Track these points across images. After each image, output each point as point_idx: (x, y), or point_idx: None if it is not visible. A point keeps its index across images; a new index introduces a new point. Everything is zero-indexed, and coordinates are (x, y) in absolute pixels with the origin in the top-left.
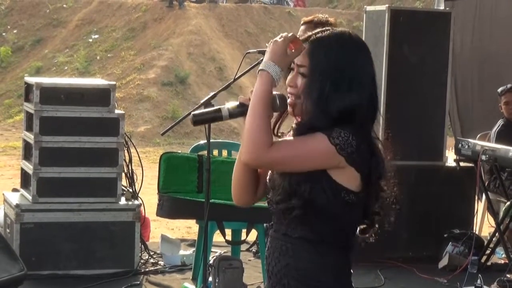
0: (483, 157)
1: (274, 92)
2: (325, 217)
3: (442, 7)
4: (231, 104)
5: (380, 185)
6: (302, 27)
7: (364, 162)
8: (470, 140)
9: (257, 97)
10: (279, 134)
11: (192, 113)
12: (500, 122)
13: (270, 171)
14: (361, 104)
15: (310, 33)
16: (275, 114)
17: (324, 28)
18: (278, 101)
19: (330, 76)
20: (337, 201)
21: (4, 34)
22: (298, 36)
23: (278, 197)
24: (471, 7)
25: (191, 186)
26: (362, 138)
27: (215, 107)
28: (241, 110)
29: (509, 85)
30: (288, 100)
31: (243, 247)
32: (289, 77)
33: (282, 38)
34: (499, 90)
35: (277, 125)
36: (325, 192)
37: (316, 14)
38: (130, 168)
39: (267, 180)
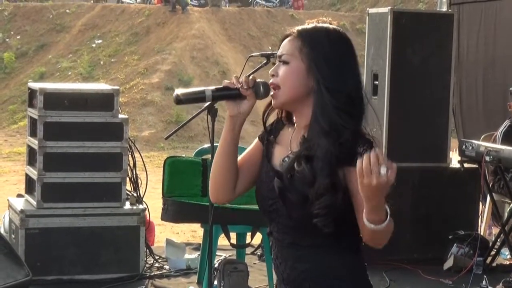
0: (487, 158)
1: (258, 80)
2: (341, 221)
3: (444, 9)
4: (216, 86)
5: None
6: None
7: None
8: (474, 141)
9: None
10: (267, 126)
11: (176, 92)
12: (507, 123)
13: (263, 179)
14: (352, 92)
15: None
16: (264, 103)
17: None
18: (261, 88)
19: (319, 58)
20: (349, 205)
21: (7, 40)
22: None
23: (319, 210)
24: (476, 11)
25: (195, 190)
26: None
27: (200, 88)
28: (224, 93)
29: None
30: (271, 93)
31: (248, 250)
32: (272, 68)
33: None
34: (511, 89)
35: (266, 115)
36: (343, 201)
37: (319, 17)
38: (134, 173)
39: (261, 188)
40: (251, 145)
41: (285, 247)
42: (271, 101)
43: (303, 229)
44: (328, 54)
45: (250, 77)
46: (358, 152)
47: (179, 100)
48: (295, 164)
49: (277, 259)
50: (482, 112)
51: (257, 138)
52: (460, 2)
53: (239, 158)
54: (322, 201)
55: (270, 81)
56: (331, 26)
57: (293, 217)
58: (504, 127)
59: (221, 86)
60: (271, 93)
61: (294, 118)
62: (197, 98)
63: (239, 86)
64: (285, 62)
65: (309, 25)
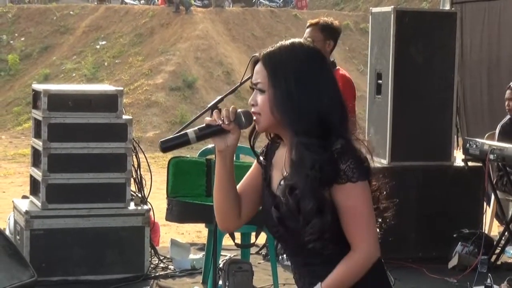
0: (491, 156)
1: (239, 110)
2: (340, 238)
3: (447, 8)
4: (199, 126)
5: (371, 185)
6: (308, 30)
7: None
8: (478, 139)
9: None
10: (255, 150)
11: (160, 140)
12: (506, 117)
13: (268, 204)
14: (325, 102)
15: (256, 55)
16: (249, 128)
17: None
18: (243, 118)
19: (293, 82)
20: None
21: (11, 42)
22: (304, 38)
23: (311, 236)
24: (479, 11)
25: (199, 190)
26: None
27: (182, 132)
28: (208, 132)
29: None
30: (254, 118)
31: (253, 250)
32: (250, 98)
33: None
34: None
35: (252, 138)
36: (334, 220)
37: (321, 17)
38: (138, 173)
39: (265, 215)
40: (250, 169)
41: (300, 267)
42: (254, 125)
43: (312, 250)
44: (291, 81)
45: (231, 109)
46: (341, 169)
47: (164, 148)
48: (283, 195)
49: (295, 275)
50: (486, 111)
51: (255, 161)
52: (463, 1)
53: (240, 184)
54: (311, 226)
55: (252, 109)
56: (296, 45)
57: (299, 242)
58: (503, 121)
59: (203, 125)
60: (254, 118)
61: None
62: (181, 142)
63: (221, 122)
64: (261, 91)
65: (274, 47)
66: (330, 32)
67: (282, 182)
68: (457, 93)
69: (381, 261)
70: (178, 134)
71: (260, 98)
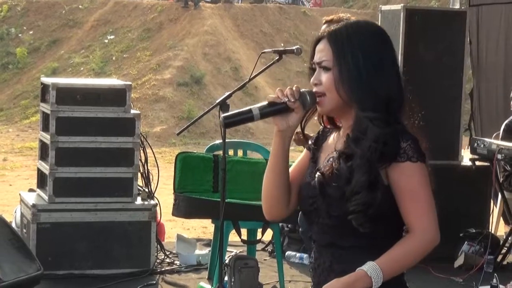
0: (499, 156)
1: (303, 89)
2: (380, 221)
3: (457, 7)
4: (261, 104)
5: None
6: (324, 26)
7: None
8: (485, 139)
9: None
10: (305, 133)
11: (222, 115)
12: (510, 118)
13: (306, 180)
14: (392, 86)
15: (323, 32)
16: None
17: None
18: (308, 98)
19: (361, 58)
20: (391, 206)
21: (20, 35)
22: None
23: (355, 207)
24: (496, 13)
25: (206, 185)
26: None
27: (246, 108)
28: (272, 110)
29: None
30: (317, 103)
31: (259, 246)
32: (313, 77)
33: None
34: None
35: (303, 122)
36: (384, 200)
37: (338, 13)
38: (146, 168)
39: (303, 189)
40: (299, 157)
41: (324, 247)
42: (308, 109)
43: (342, 228)
44: (358, 57)
45: (294, 88)
46: (401, 147)
47: (227, 124)
48: (335, 162)
49: (315, 262)
50: (502, 115)
51: (305, 149)
52: (479, 4)
53: (290, 171)
54: (358, 198)
55: (314, 89)
56: (361, 23)
57: (332, 215)
58: (508, 121)
59: (267, 102)
60: (317, 100)
61: (337, 121)
62: (245, 118)
63: (286, 99)
64: (326, 68)
65: (339, 25)
66: None
67: (330, 159)
68: (472, 97)
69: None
70: (243, 110)
71: (325, 76)
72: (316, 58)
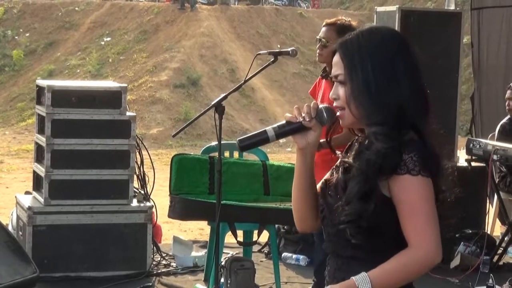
0: (495, 157)
1: (320, 105)
2: (376, 234)
3: (452, 8)
4: (278, 124)
5: (437, 186)
6: (324, 29)
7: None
8: (481, 139)
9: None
10: (332, 144)
11: (238, 139)
12: (507, 117)
13: (323, 186)
14: (404, 94)
15: (337, 42)
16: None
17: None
18: (325, 114)
19: (371, 70)
20: (389, 218)
21: (16, 37)
22: (319, 38)
23: (345, 217)
24: (497, 17)
25: (202, 187)
26: (424, 145)
27: (261, 130)
28: (288, 129)
29: None
30: (337, 114)
31: (255, 248)
32: (331, 91)
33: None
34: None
35: (330, 133)
36: (378, 213)
37: (339, 16)
38: (141, 170)
39: (323, 198)
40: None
41: (331, 255)
42: (332, 123)
43: (340, 238)
44: (368, 70)
45: (312, 105)
46: (402, 158)
47: (242, 147)
48: (337, 172)
49: (327, 267)
50: (503, 119)
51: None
52: (481, 7)
53: (318, 185)
54: (348, 208)
55: (334, 104)
56: (372, 30)
57: (334, 224)
58: (503, 122)
59: (283, 122)
60: (338, 114)
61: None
62: (260, 140)
63: (301, 119)
64: (342, 83)
65: (351, 34)
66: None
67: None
68: (473, 100)
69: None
70: (257, 132)
71: (341, 91)
72: (333, 72)
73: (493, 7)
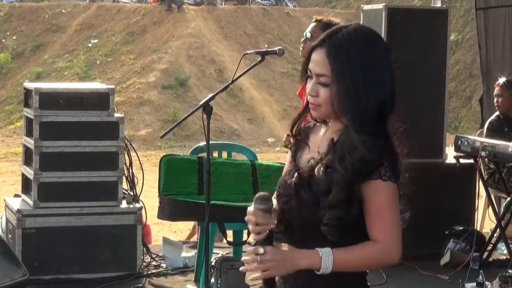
0: (483, 153)
1: (253, 206)
2: (350, 233)
3: (439, 5)
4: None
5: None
6: (313, 24)
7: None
8: (469, 136)
9: None
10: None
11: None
12: (495, 114)
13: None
14: (386, 97)
15: (322, 37)
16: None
17: (334, 28)
18: (268, 205)
19: (358, 75)
20: (363, 217)
21: (3, 40)
22: (305, 32)
23: (329, 221)
24: (500, 16)
25: (191, 188)
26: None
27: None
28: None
29: (502, 80)
30: (310, 106)
31: (245, 248)
32: (309, 86)
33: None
34: (500, 81)
35: (296, 126)
36: (360, 215)
37: (329, 15)
38: (130, 172)
39: (281, 186)
40: (287, 161)
41: (294, 244)
42: (302, 111)
43: (310, 230)
44: (358, 78)
45: (252, 213)
46: (379, 164)
47: None
48: (316, 168)
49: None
50: None
51: (289, 152)
52: (485, 7)
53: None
54: (333, 213)
55: (310, 100)
56: (360, 32)
57: (302, 216)
58: (491, 119)
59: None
60: (311, 106)
61: (328, 120)
62: None
63: (269, 227)
64: (325, 84)
65: (338, 36)
66: None
67: (311, 160)
68: (482, 103)
69: (365, 276)
70: None
71: (322, 91)
72: (314, 70)
73: (496, 6)
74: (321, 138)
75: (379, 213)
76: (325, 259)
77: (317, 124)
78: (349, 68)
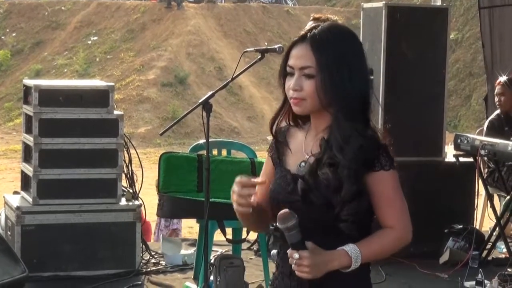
0: (482, 152)
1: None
2: (359, 225)
3: (439, 3)
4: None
5: None
6: (310, 23)
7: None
8: (469, 135)
9: None
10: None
11: None
12: (495, 112)
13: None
14: (367, 86)
15: (301, 34)
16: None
17: (312, 25)
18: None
19: (343, 63)
20: (370, 210)
21: (3, 37)
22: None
23: (348, 217)
24: (505, 15)
25: (191, 185)
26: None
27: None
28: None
29: (503, 78)
30: (293, 102)
31: (244, 245)
32: (292, 82)
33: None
34: (500, 79)
35: (276, 122)
36: (370, 206)
37: (327, 13)
38: (130, 169)
39: (278, 193)
40: (264, 168)
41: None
42: (280, 109)
43: (322, 231)
44: (343, 66)
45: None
46: (377, 153)
47: None
48: (318, 169)
49: (278, 271)
50: None
51: (268, 156)
52: (489, 6)
53: (261, 190)
54: (350, 208)
55: (293, 94)
56: (337, 27)
57: (313, 219)
58: (491, 117)
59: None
60: (294, 102)
61: (310, 121)
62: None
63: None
64: (309, 76)
65: (320, 30)
66: None
67: (303, 164)
68: (487, 102)
69: (368, 266)
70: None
71: (307, 83)
72: (297, 64)
73: (501, 5)
74: (305, 140)
75: (391, 202)
76: (354, 256)
77: (291, 127)
78: (334, 57)
